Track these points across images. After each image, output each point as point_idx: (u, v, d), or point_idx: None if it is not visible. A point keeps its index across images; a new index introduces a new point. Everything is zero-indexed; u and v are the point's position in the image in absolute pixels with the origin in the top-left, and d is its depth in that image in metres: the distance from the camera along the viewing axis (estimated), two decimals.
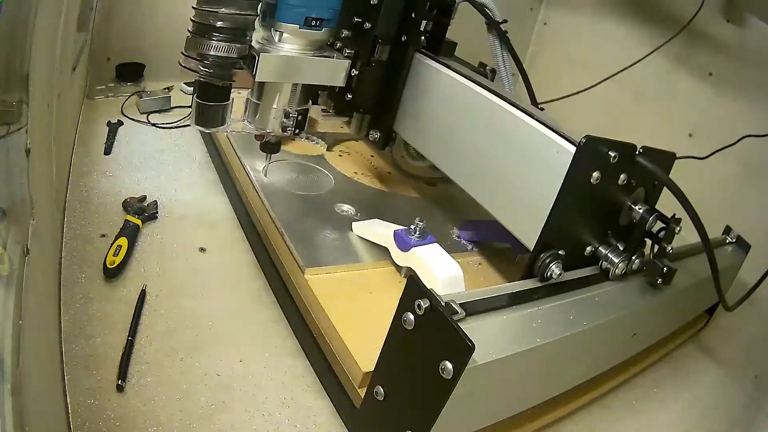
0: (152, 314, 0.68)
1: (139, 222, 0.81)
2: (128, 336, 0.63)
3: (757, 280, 0.80)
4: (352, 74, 0.80)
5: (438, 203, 1.00)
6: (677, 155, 0.68)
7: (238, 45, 0.67)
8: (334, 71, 0.76)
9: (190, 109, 1.25)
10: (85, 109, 1.15)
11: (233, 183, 0.96)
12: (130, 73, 1.29)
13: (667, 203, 0.67)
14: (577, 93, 1.14)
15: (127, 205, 0.85)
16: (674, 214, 0.63)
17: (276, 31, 0.71)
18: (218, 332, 0.68)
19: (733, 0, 1.10)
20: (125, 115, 1.16)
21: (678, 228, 0.64)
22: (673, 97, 1.24)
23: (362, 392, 0.57)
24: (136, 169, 0.98)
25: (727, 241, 0.91)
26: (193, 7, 0.67)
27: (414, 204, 0.98)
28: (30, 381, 0.39)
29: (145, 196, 0.89)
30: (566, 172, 0.58)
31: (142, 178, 0.95)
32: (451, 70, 0.79)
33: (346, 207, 0.89)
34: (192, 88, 1.28)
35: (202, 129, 0.72)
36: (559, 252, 0.61)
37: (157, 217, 0.86)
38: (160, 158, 1.03)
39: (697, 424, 0.76)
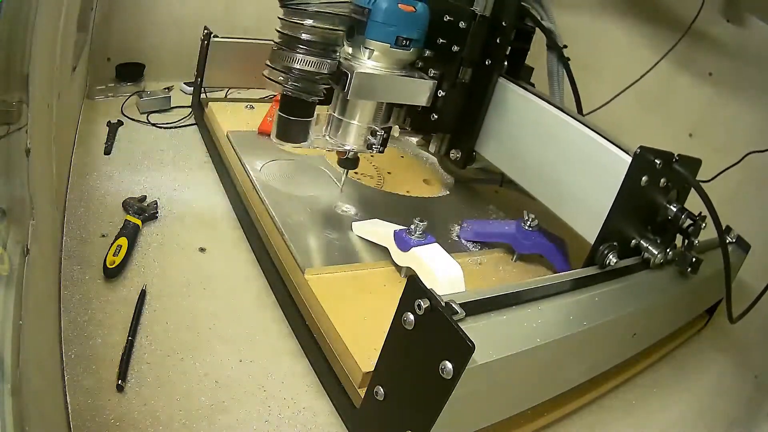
0: (152, 314, 0.68)
1: (139, 222, 0.81)
2: (128, 336, 0.63)
3: (758, 294, 0.80)
4: (438, 95, 0.82)
5: (438, 203, 1.00)
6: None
7: (328, 60, 0.67)
8: (420, 91, 0.78)
9: (190, 109, 1.27)
10: (85, 109, 1.15)
11: (233, 183, 0.96)
12: (130, 73, 1.29)
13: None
14: (602, 107, 1.17)
15: (127, 205, 0.85)
16: (700, 213, 0.72)
17: (365, 48, 0.71)
18: (218, 332, 0.68)
19: (733, 0, 1.10)
20: (125, 115, 1.16)
21: (704, 224, 0.72)
22: (673, 97, 1.24)
23: (362, 392, 0.57)
24: (136, 169, 0.98)
25: (728, 241, 0.91)
26: (279, 17, 0.67)
27: (414, 204, 0.98)
28: (30, 381, 0.39)
29: (145, 196, 0.89)
30: (624, 177, 0.67)
31: (142, 178, 0.95)
32: (533, 94, 0.82)
33: (346, 207, 0.89)
34: (192, 88, 1.28)
35: (283, 143, 0.72)
36: (614, 244, 0.69)
37: (157, 217, 0.86)
38: (160, 158, 1.03)
39: (697, 424, 0.76)
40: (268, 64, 0.68)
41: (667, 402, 0.78)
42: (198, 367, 0.63)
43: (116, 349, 0.62)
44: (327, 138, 0.78)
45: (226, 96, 1.27)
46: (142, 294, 0.70)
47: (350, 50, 0.74)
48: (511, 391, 0.57)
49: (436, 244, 0.74)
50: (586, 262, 0.70)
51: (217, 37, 1.11)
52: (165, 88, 1.27)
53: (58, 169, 0.73)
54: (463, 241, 0.89)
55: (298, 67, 0.66)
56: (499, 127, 0.87)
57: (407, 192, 1.01)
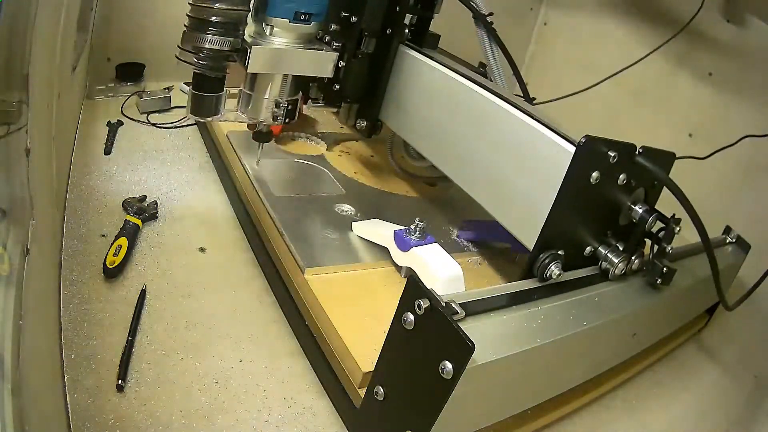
0: (152, 314, 0.68)
1: (139, 222, 0.81)
2: (128, 336, 0.63)
3: (757, 280, 0.80)
4: (340, 66, 0.84)
5: (438, 203, 1.00)
6: (677, 155, 0.69)
7: (231, 39, 0.70)
8: (322, 63, 0.79)
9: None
10: (85, 109, 1.15)
11: (233, 183, 0.96)
12: (130, 73, 1.29)
13: (667, 203, 0.67)
14: (577, 93, 1.14)
15: (127, 205, 0.85)
16: (674, 214, 0.63)
17: (267, 25, 0.74)
18: (218, 332, 0.68)
19: (733, 0, 1.10)
20: (125, 115, 1.16)
21: (678, 228, 0.64)
22: (673, 97, 1.24)
23: (362, 392, 0.57)
24: (136, 169, 0.98)
25: (727, 241, 0.91)
26: (189, 3, 0.69)
27: (414, 204, 0.98)
28: (30, 381, 0.39)
29: (145, 196, 0.89)
30: (565, 172, 0.58)
31: (142, 178, 0.95)
32: (435, 61, 0.81)
33: (346, 207, 0.89)
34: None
35: (196, 118, 0.75)
36: (559, 252, 0.61)
37: (157, 217, 0.86)
38: (160, 158, 1.03)
39: (697, 424, 0.76)
40: (179, 46, 0.71)
41: (667, 402, 0.78)
42: (198, 367, 0.63)
43: (116, 349, 0.62)
44: (239, 113, 0.81)
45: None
46: (142, 294, 0.70)
47: (255, 28, 0.76)
48: (511, 391, 0.57)
49: (436, 244, 0.74)
50: (523, 274, 0.62)
51: None
52: (165, 88, 1.27)
53: (58, 169, 0.73)
54: (463, 241, 0.89)
55: (206, 46, 0.69)
56: (401, 95, 0.87)
57: (407, 192, 1.01)
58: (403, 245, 0.73)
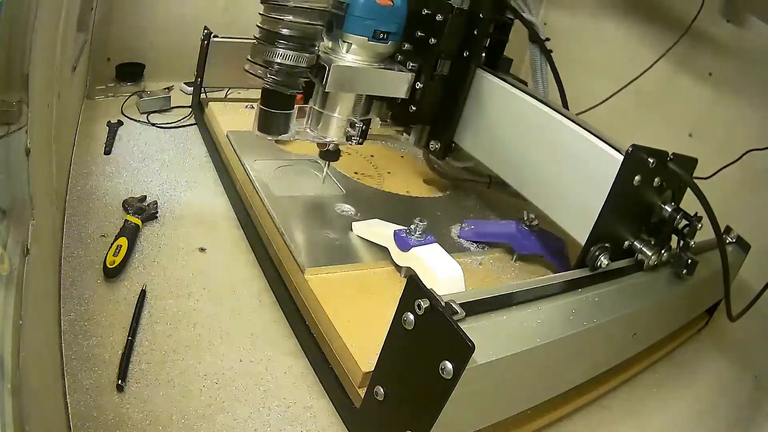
0: (152, 314, 0.68)
1: (139, 222, 0.81)
2: (128, 336, 0.63)
3: (759, 292, 0.80)
4: (416, 87, 0.83)
5: (438, 203, 1.00)
6: (698, 161, 0.73)
7: (307, 54, 0.69)
8: (398, 83, 0.79)
9: (190, 109, 1.27)
10: (85, 109, 1.15)
11: (233, 183, 0.96)
12: (130, 73, 1.29)
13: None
14: (597, 105, 1.16)
15: (127, 205, 0.85)
16: (696, 213, 0.71)
17: (344, 42, 0.73)
18: (218, 332, 0.68)
19: (733, 0, 1.10)
20: (125, 115, 1.16)
21: (700, 225, 0.71)
22: (673, 97, 1.24)
23: (362, 392, 0.57)
24: (136, 169, 0.98)
25: (728, 241, 0.91)
26: (259, 13, 0.68)
27: (414, 204, 0.98)
28: (30, 381, 0.39)
29: (145, 196, 0.89)
30: (615, 176, 0.66)
31: (142, 178, 0.95)
32: (511, 85, 0.83)
33: (346, 207, 0.89)
34: (192, 88, 1.28)
35: (264, 136, 0.73)
36: (606, 245, 0.68)
37: (157, 217, 0.86)
38: (160, 158, 1.03)
39: (697, 424, 0.76)
40: (249, 58, 0.70)
41: (667, 402, 0.78)
42: (198, 367, 0.63)
43: (116, 349, 0.62)
44: (308, 130, 0.80)
45: (226, 96, 1.27)
46: (142, 294, 0.70)
47: (329, 44, 0.75)
48: (511, 391, 0.57)
49: (436, 244, 0.74)
50: (577, 264, 0.69)
51: (217, 37, 1.11)
52: (165, 88, 1.27)
53: (58, 169, 0.73)
54: (463, 241, 0.89)
55: (277, 61, 0.68)
56: (477, 118, 0.88)
57: (407, 192, 1.01)
58: (403, 245, 0.73)
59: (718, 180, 0.95)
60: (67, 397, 0.55)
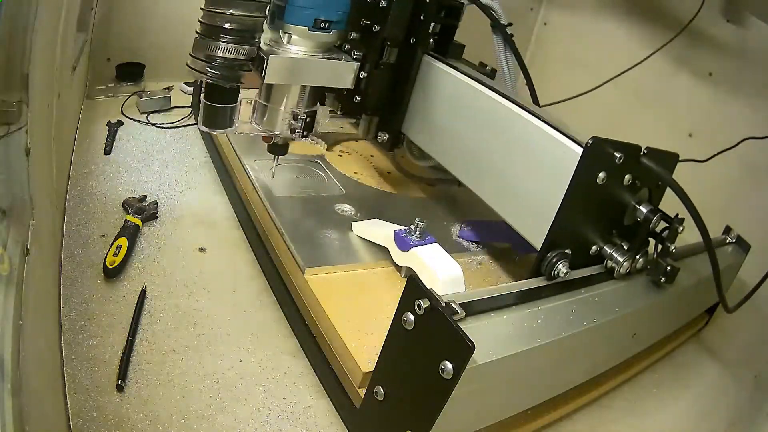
0: (152, 314, 0.68)
1: (139, 222, 0.81)
2: (128, 336, 0.63)
3: (758, 282, 0.80)
4: (361, 76, 0.80)
5: (438, 203, 1.00)
6: (679, 156, 0.69)
7: (247, 47, 0.67)
8: (342, 73, 0.76)
9: (190, 109, 1.26)
10: (85, 109, 1.15)
11: (233, 183, 0.96)
12: (130, 73, 1.29)
13: (668, 203, 0.67)
14: (580, 95, 1.14)
15: (127, 205, 0.85)
16: (677, 214, 0.64)
17: (284, 33, 0.71)
18: (218, 332, 0.68)
19: (733, 0, 1.10)
20: (125, 115, 1.16)
21: (681, 228, 0.65)
22: (673, 97, 1.24)
23: (362, 392, 0.57)
24: (136, 169, 0.98)
25: (727, 241, 0.91)
26: (201, 8, 0.67)
27: (414, 204, 0.98)
28: (30, 381, 0.39)
29: (145, 196, 0.89)
30: (573, 172, 0.59)
31: (142, 178, 0.95)
32: (460, 72, 0.79)
33: (346, 207, 0.89)
34: (192, 88, 1.28)
35: (208, 130, 0.72)
36: (566, 251, 0.62)
37: (157, 217, 0.86)
38: (160, 158, 1.03)
39: (697, 424, 0.76)
40: (191, 54, 0.68)
41: (667, 402, 0.78)
42: (198, 367, 0.63)
43: (116, 349, 0.62)
44: (254, 124, 0.78)
45: None
46: (142, 294, 0.70)
47: (272, 35, 0.73)
48: (511, 391, 0.57)
49: (436, 244, 0.73)
50: (531, 272, 0.63)
51: None
52: (165, 88, 1.27)
53: (58, 169, 0.73)
54: (463, 241, 0.89)
55: (219, 55, 0.66)
56: (425, 107, 0.84)
57: (407, 192, 1.01)
58: (403, 245, 0.73)
59: (714, 172, 0.94)
60: (67, 397, 0.55)
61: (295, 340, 0.70)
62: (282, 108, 0.75)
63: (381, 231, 0.79)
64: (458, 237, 0.90)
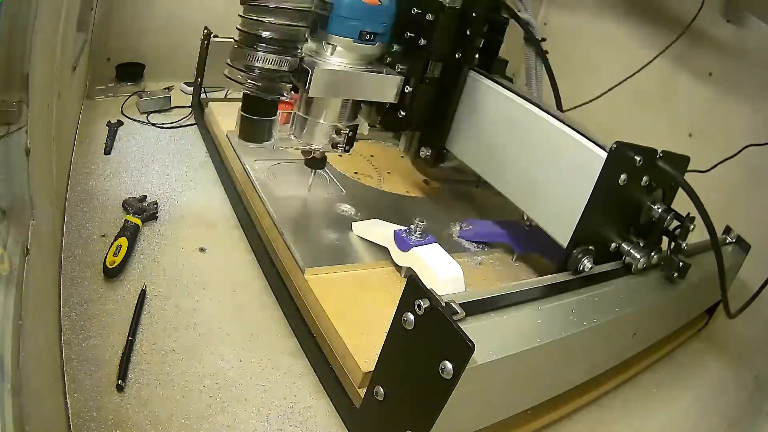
0: (152, 314, 0.68)
1: (139, 222, 0.81)
2: (128, 336, 0.63)
3: (759, 287, 0.80)
4: (406, 91, 0.79)
5: (438, 203, 1.00)
6: (690, 159, 0.71)
7: (289, 58, 0.65)
8: (386, 87, 0.75)
9: (190, 109, 1.27)
10: (85, 109, 1.15)
11: (233, 183, 0.96)
12: (130, 73, 1.29)
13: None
14: (589, 102, 1.15)
15: (127, 205, 0.85)
16: (688, 213, 0.68)
17: (327, 44, 0.69)
18: (218, 332, 0.68)
19: (733, 0, 1.10)
20: (125, 115, 1.16)
21: (692, 226, 0.68)
22: (673, 97, 1.24)
23: (362, 392, 0.57)
24: (136, 169, 0.98)
25: (727, 241, 0.91)
26: (239, 15, 0.65)
27: (414, 204, 0.98)
28: (30, 381, 0.39)
29: (145, 196, 0.89)
30: (599, 174, 0.63)
31: (142, 178, 0.95)
32: (506, 89, 0.79)
33: (346, 207, 0.89)
34: (192, 88, 1.28)
35: (247, 144, 0.70)
36: (590, 248, 0.66)
37: (157, 217, 0.86)
38: (160, 158, 1.03)
39: (697, 424, 0.76)
40: (229, 63, 0.66)
41: (667, 402, 0.78)
42: (198, 367, 0.63)
43: (116, 349, 0.62)
44: (292, 137, 0.76)
45: (226, 96, 1.27)
46: (142, 294, 0.70)
47: (314, 46, 0.71)
48: (512, 391, 0.57)
49: (436, 244, 0.74)
50: (559, 267, 0.67)
51: (217, 37, 1.11)
52: (165, 88, 1.27)
53: (58, 169, 0.73)
54: (463, 241, 0.89)
55: (258, 65, 0.64)
56: (470, 123, 0.84)
57: (407, 192, 1.01)
58: (403, 245, 0.73)
59: (716, 178, 0.94)
60: (67, 397, 0.55)
61: (295, 340, 0.70)
62: (322, 121, 0.74)
63: (381, 231, 0.79)
64: (458, 237, 0.90)
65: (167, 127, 1.15)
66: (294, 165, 0.99)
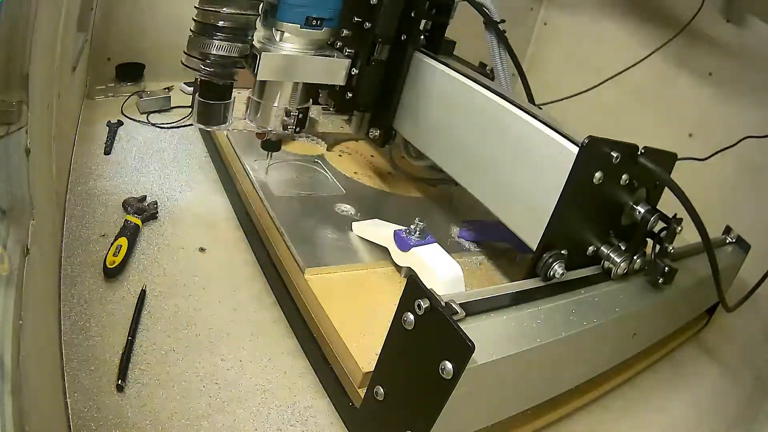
0: (152, 314, 0.68)
1: (139, 222, 0.81)
2: (128, 336, 0.63)
3: (758, 281, 0.80)
4: (353, 73, 0.81)
5: (438, 203, 1.00)
6: (678, 156, 0.69)
7: (240, 44, 0.68)
8: (334, 70, 0.77)
9: (190, 109, 1.26)
10: (85, 109, 1.15)
11: (233, 183, 0.96)
12: (130, 73, 1.29)
13: (667, 203, 0.67)
14: (579, 94, 1.14)
15: (127, 205, 0.85)
16: (675, 214, 0.64)
17: (277, 30, 0.72)
18: (218, 332, 0.68)
19: (733, 0, 1.10)
20: (125, 115, 1.16)
21: (679, 228, 0.64)
22: (673, 97, 1.24)
23: (362, 392, 0.57)
24: (136, 169, 0.98)
25: (727, 241, 0.91)
26: (195, 7, 0.68)
27: (414, 204, 0.98)
28: (30, 381, 0.39)
29: (145, 196, 0.89)
30: (569, 172, 0.59)
31: (142, 178, 0.95)
32: (451, 68, 0.79)
33: (346, 207, 0.89)
34: (192, 88, 1.28)
35: (203, 127, 0.73)
36: (562, 252, 0.62)
37: (157, 217, 0.86)
38: (160, 158, 1.03)
39: (697, 425, 0.76)
40: (185, 52, 0.70)
41: (667, 402, 0.78)
42: (198, 367, 0.63)
43: (116, 349, 0.62)
44: (247, 120, 0.79)
45: None
46: (142, 294, 0.70)
47: (265, 33, 0.74)
48: (511, 391, 0.57)
49: (436, 244, 0.73)
50: (527, 273, 0.62)
51: None
52: (165, 88, 1.27)
53: (58, 169, 0.73)
54: (463, 241, 0.89)
55: (213, 52, 0.68)
56: (416, 103, 0.85)
57: (407, 192, 1.01)
58: (403, 245, 0.73)
59: (714, 170, 0.94)
60: (67, 397, 0.55)
61: (295, 340, 0.70)
62: (275, 104, 0.77)
63: (381, 231, 0.79)
64: (458, 237, 0.90)
65: (167, 127, 1.15)
66: (294, 165, 1.00)
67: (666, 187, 0.64)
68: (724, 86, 1.13)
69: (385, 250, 0.77)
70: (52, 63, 0.65)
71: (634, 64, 1.16)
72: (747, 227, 0.92)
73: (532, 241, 0.63)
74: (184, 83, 1.33)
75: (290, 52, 0.73)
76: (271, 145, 0.82)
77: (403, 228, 0.75)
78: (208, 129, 0.75)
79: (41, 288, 0.54)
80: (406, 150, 1.01)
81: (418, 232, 0.73)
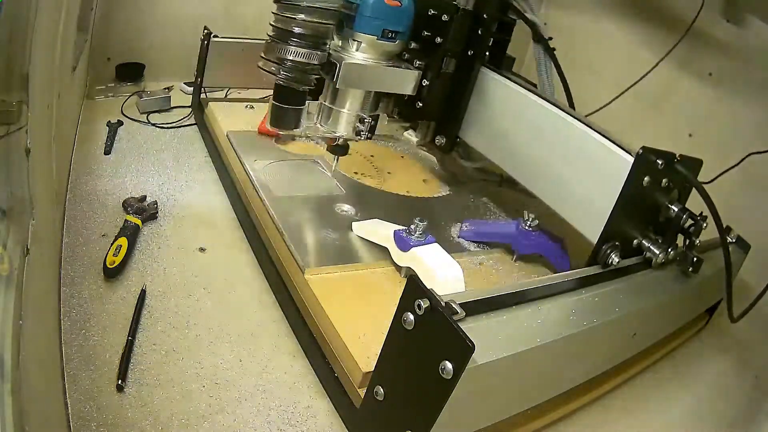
0: (152, 314, 0.68)
1: (139, 222, 0.81)
2: (128, 336, 0.63)
3: (759, 293, 0.80)
4: (423, 84, 0.86)
5: (438, 203, 1.00)
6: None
7: (318, 52, 0.72)
8: (406, 81, 0.82)
9: (190, 109, 1.27)
10: (85, 109, 1.15)
11: (233, 183, 0.96)
12: (130, 73, 1.29)
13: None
14: (598, 111, 1.17)
15: (127, 205, 0.85)
16: (701, 212, 0.72)
17: (354, 41, 0.76)
18: (218, 332, 0.68)
19: (733, 0, 1.10)
20: (125, 115, 1.16)
21: (705, 224, 0.73)
22: (674, 98, 1.24)
23: (362, 392, 0.57)
24: (136, 169, 0.98)
25: (728, 240, 0.91)
26: (272, 12, 0.71)
27: (414, 204, 0.98)
28: (30, 381, 0.39)
29: (145, 196, 0.89)
30: (627, 177, 0.68)
31: (142, 178, 0.95)
32: (512, 82, 0.86)
33: (346, 207, 0.89)
34: (192, 88, 1.28)
35: (278, 130, 0.77)
36: (616, 243, 0.70)
37: (157, 217, 0.86)
38: (160, 158, 1.03)
39: (697, 425, 0.76)
40: (263, 56, 0.73)
41: (667, 402, 0.78)
42: (198, 367, 0.63)
43: (116, 349, 0.62)
44: (318, 125, 0.82)
45: (226, 96, 1.27)
46: (142, 294, 0.70)
47: (340, 42, 0.78)
48: (511, 391, 0.57)
49: (436, 244, 0.74)
50: (589, 261, 0.71)
51: (217, 37, 1.11)
52: (165, 88, 1.27)
53: (58, 169, 0.73)
54: (463, 241, 0.89)
55: (290, 58, 0.71)
56: (481, 114, 0.92)
57: (407, 192, 1.01)
58: (403, 245, 0.73)
59: (718, 182, 0.95)
60: (67, 397, 0.55)
61: (295, 340, 0.70)
62: (347, 111, 0.80)
63: (381, 231, 0.79)
64: (458, 237, 0.90)
65: (167, 127, 1.15)
66: (294, 164, 1.00)
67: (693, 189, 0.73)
68: (724, 86, 1.13)
69: (385, 250, 0.77)
70: (52, 63, 0.65)
71: (646, 74, 1.18)
72: (747, 229, 0.92)
73: (591, 234, 0.72)
74: (184, 83, 1.33)
75: (366, 61, 0.77)
76: (340, 149, 0.85)
77: (403, 228, 0.75)
78: (282, 133, 0.78)
79: (41, 288, 0.54)
80: (458, 153, 1.03)
81: (418, 232, 0.73)
